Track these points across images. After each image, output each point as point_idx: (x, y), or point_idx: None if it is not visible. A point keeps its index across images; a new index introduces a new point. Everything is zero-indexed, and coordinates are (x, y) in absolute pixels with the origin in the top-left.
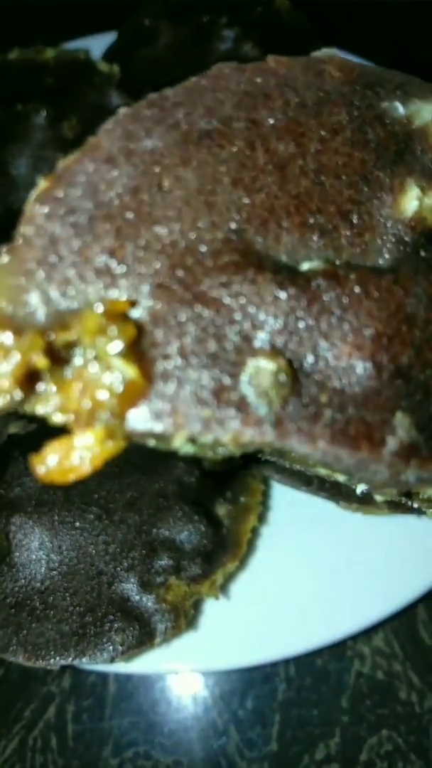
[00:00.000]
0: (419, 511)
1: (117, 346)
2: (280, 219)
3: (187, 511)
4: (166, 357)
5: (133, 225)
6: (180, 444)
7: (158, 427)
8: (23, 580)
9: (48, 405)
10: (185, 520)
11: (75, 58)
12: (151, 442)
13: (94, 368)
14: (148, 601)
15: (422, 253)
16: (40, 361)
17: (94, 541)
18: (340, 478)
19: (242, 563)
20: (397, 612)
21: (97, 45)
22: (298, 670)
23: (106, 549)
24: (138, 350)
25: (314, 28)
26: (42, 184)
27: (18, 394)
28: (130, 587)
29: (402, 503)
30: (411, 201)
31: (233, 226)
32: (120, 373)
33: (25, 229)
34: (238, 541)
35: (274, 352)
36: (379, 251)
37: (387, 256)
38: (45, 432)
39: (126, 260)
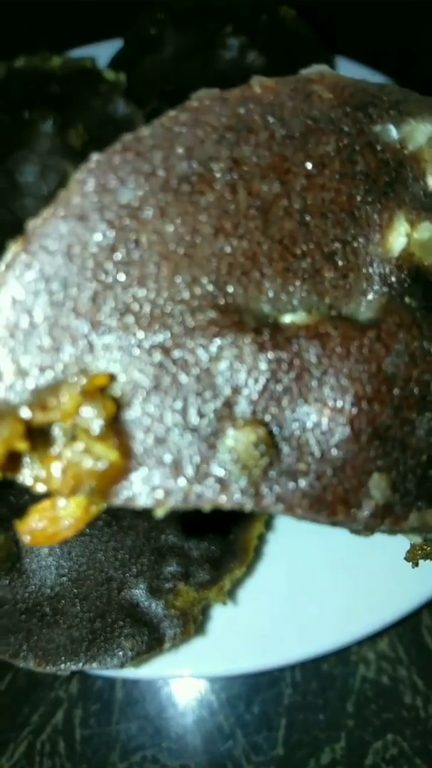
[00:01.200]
0: None
1: (97, 425)
2: (262, 266)
3: (194, 518)
4: (146, 430)
5: (109, 287)
6: (162, 514)
7: (139, 503)
8: (33, 587)
9: (31, 479)
10: (193, 527)
11: (81, 66)
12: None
13: (74, 449)
14: (157, 607)
15: (407, 300)
16: (21, 445)
17: (103, 547)
18: None
19: (249, 569)
20: (402, 618)
21: (102, 52)
22: (304, 675)
23: (115, 555)
24: (118, 425)
25: (319, 35)
26: (12, 248)
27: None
28: (139, 593)
29: None
30: (399, 237)
31: (214, 278)
32: (100, 456)
33: None
34: (246, 548)
35: (255, 420)
36: (363, 293)
37: (371, 298)
38: None
39: (103, 326)
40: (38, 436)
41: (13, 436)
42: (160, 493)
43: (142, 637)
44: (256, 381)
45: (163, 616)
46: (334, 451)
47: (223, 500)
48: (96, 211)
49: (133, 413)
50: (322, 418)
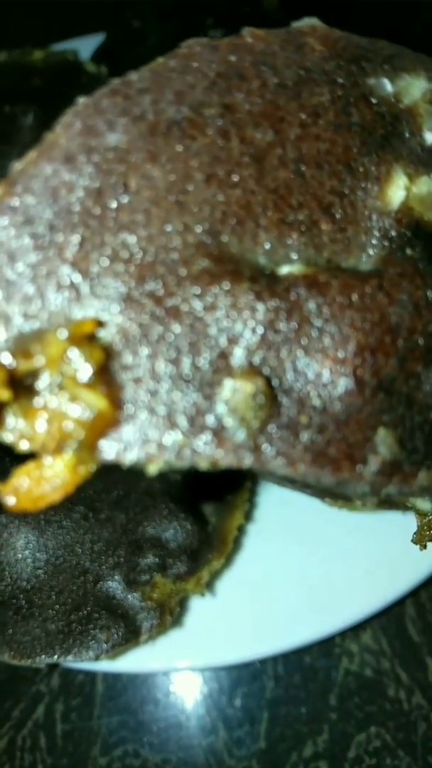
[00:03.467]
0: (404, 507)
1: (85, 372)
2: (257, 217)
3: (173, 509)
4: (138, 381)
5: (98, 232)
6: (155, 470)
7: (130, 457)
8: (9, 579)
9: (14, 434)
10: (171, 518)
11: (63, 59)
12: (125, 466)
13: (60, 398)
14: (134, 599)
15: (408, 251)
16: (2, 393)
17: (80, 539)
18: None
19: (228, 561)
20: (384, 608)
21: (85, 46)
22: (286, 668)
23: (92, 547)
24: (107, 374)
25: None
26: None
27: None
28: (115, 585)
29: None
30: (398, 191)
31: (207, 227)
32: (88, 404)
33: None
34: (225, 539)
35: (252, 370)
36: (362, 247)
37: (371, 252)
38: None
39: (91, 273)
40: (22, 389)
41: None
42: (152, 447)
43: (118, 630)
44: (253, 331)
45: (139, 608)
46: (337, 404)
47: (220, 455)
48: (83, 154)
49: (123, 363)
50: (323, 369)
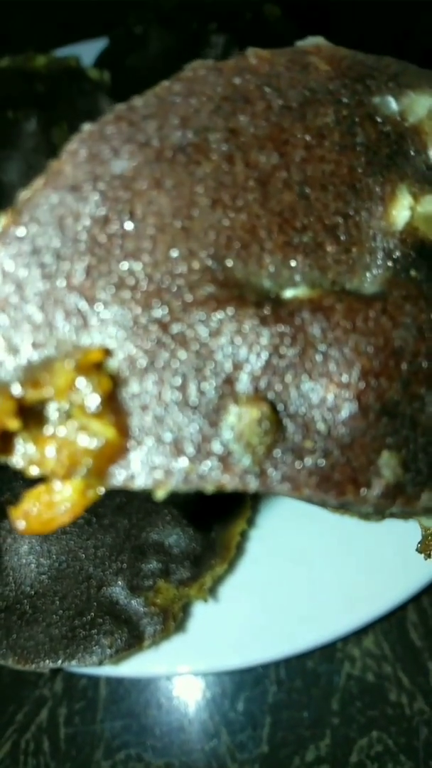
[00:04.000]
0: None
1: (92, 401)
2: (262, 240)
3: (175, 515)
4: (144, 408)
5: (104, 260)
6: (162, 495)
7: (138, 483)
8: (13, 584)
9: (24, 460)
10: (174, 524)
11: (66, 65)
12: (133, 490)
13: (68, 428)
14: (137, 605)
15: (412, 273)
16: (12, 423)
17: (83, 545)
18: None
19: (231, 566)
20: (386, 614)
21: (87, 51)
22: (288, 673)
23: (95, 553)
24: (114, 402)
25: (303, 34)
26: (2, 219)
27: None
28: (118, 591)
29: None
30: (402, 211)
31: (212, 252)
32: (96, 433)
33: None
34: (227, 545)
35: (257, 396)
36: (367, 268)
37: (375, 273)
38: None
39: (98, 301)
40: (31, 416)
41: (3, 413)
42: (159, 474)
43: (122, 635)
44: (258, 356)
45: (142, 614)
46: (341, 428)
47: (227, 480)
48: (88, 182)
49: (130, 390)
50: (327, 393)
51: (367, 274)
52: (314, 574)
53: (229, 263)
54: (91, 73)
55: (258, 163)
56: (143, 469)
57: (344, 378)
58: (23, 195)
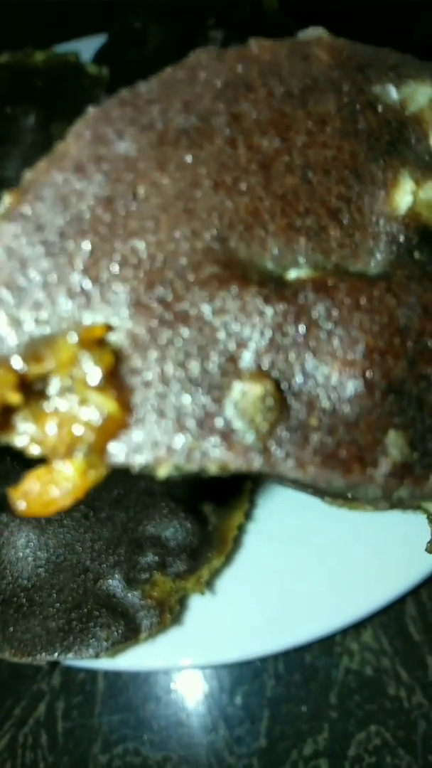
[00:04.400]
0: (415, 508)
1: (94, 376)
2: (265, 222)
3: (173, 508)
4: (147, 384)
5: (108, 239)
6: (164, 473)
7: (139, 460)
8: (10, 578)
9: (24, 438)
10: (171, 517)
11: (65, 60)
12: (135, 470)
13: (70, 402)
14: (134, 597)
15: (416, 255)
16: (13, 397)
17: (80, 538)
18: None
19: (228, 559)
20: (385, 607)
21: (86, 47)
22: (286, 666)
23: (92, 546)
24: (117, 378)
25: (302, 27)
26: (7, 199)
27: None
28: (115, 584)
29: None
30: (405, 195)
31: (215, 233)
32: (97, 407)
33: None
34: (224, 538)
35: (261, 373)
36: (370, 252)
37: (379, 257)
38: None
39: (101, 279)
40: (32, 393)
41: (4, 385)
42: (161, 450)
43: (118, 628)
44: (262, 335)
45: (139, 607)
46: (346, 406)
47: (230, 458)
48: (93, 162)
49: (132, 366)
50: (332, 371)
51: (371, 258)
52: (312, 568)
53: (233, 244)
54: (90, 69)
55: (260, 147)
56: (145, 445)
57: (349, 356)
58: (28, 175)
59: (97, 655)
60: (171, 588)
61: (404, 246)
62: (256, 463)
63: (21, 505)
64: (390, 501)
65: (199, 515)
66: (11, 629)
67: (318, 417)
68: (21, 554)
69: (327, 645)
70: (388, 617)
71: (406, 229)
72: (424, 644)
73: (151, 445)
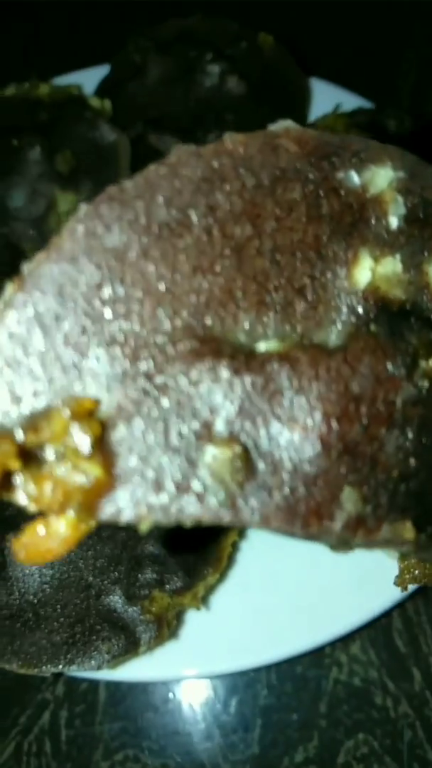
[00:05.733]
0: None
1: (84, 445)
2: (237, 300)
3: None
4: (131, 449)
5: (97, 321)
6: (146, 527)
7: (123, 518)
8: (17, 593)
9: (23, 497)
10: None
11: (68, 93)
12: (120, 524)
13: (63, 468)
14: (133, 612)
15: (372, 327)
16: (14, 464)
17: (83, 555)
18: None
19: (223, 576)
20: (372, 621)
21: (89, 78)
22: (279, 677)
23: (94, 563)
24: (104, 444)
25: (296, 60)
26: (9, 288)
27: None
28: (116, 599)
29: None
30: (364, 272)
31: (192, 311)
32: (86, 472)
33: None
34: (220, 555)
35: (231, 438)
36: (333, 322)
37: (340, 327)
38: None
39: (91, 355)
40: (30, 458)
41: (8, 455)
42: (143, 508)
43: (119, 641)
44: (232, 402)
45: (138, 621)
46: (306, 466)
47: (202, 513)
48: (84, 255)
49: (118, 434)
50: (294, 435)
51: (332, 328)
52: (302, 583)
53: (209, 321)
54: (92, 102)
55: (234, 235)
56: (128, 504)
57: (309, 422)
58: (27, 266)
59: (99, 667)
60: (169, 603)
61: (362, 318)
62: (226, 518)
63: (21, 554)
64: (349, 548)
65: (197, 535)
66: (18, 642)
67: (281, 476)
68: (27, 571)
69: (317, 657)
70: (376, 630)
71: (366, 302)
72: (410, 656)
73: (133, 505)
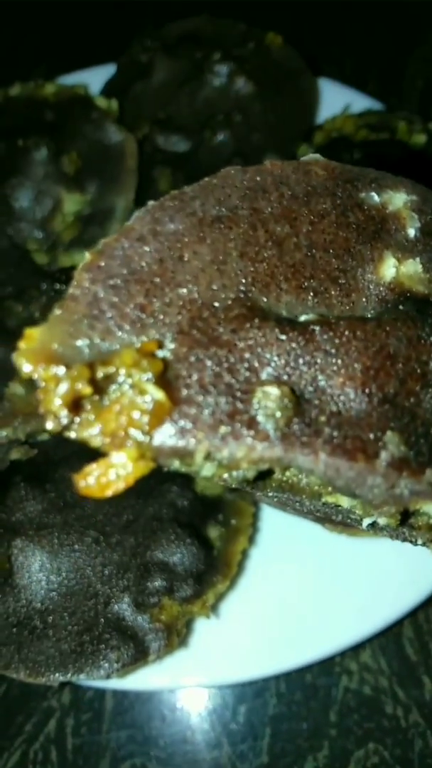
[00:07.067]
0: (416, 534)
1: (147, 377)
2: (279, 283)
3: (180, 534)
4: (188, 387)
5: (159, 287)
6: (200, 462)
7: (181, 443)
8: (24, 601)
9: (89, 429)
10: (178, 543)
11: (74, 93)
12: (176, 463)
13: (130, 392)
14: (142, 621)
15: (401, 307)
16: (85, 389)
17: (91, 563)
18: (345, 503)
19: (232, 584)
20: (383, 629)
21: (96, 77)
22: (288, 686)
23: (102, 571)
24: (164, 380)
25: (305, 60)
26: (87, 256)
27: (65, 418)
28: (125, 607)
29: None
30: (389, 268)
31: (241, 287)
32: (150, 395)
33: (73, 290)
34: (229, 563)
35: (279, 382)
36: (364, 307)
37: (371, 310)
38: (46, 459)
39: (154, 314)
40: (98, 392)
41: (80, 377)
42: (200, 435)
43: (128, 650)
44: (279, 356)
45: (147, 630)
46: (350, 410)
47: (255, 444)
48: (151, 235)
49: (176, 373)
50: (337, 382)
51: (365, 312)
52: (312, 592)
53: (254, 296)
54: (99, 102)
55: (275, 231)
56: (186, 430)
57: (350, 371)
58: (104, 241)
59: (108, 677)
60: (178, 612)
61: (392, 303)
62: (277, 449)
63: (82, 484)
64: (393, 499)
65: (205, 541)
66: (26, 651)
67: (327, 416)
68: (35, 578)
69: (327, 665)
70: (386, 639)
71: (392, 292)
72: (420, 665)
73: (191, 430)
